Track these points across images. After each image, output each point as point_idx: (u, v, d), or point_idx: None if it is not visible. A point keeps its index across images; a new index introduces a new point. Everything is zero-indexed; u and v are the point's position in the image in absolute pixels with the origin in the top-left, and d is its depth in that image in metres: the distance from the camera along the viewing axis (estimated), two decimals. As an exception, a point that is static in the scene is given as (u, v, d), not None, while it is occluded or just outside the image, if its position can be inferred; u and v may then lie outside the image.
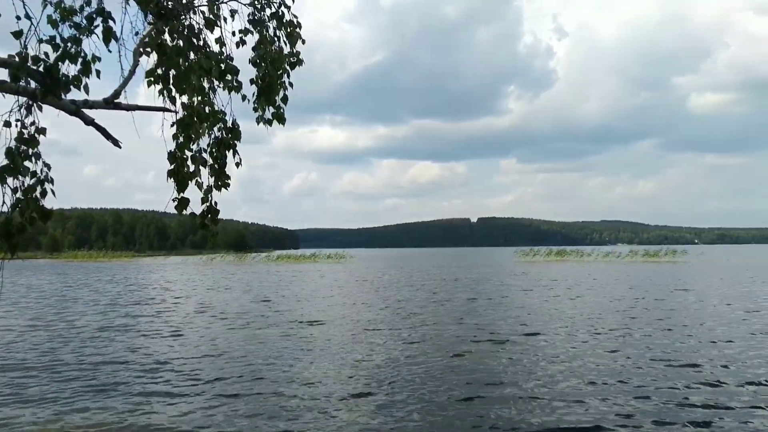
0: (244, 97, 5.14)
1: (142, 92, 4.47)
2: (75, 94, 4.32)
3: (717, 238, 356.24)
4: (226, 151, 4.91)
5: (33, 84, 4.05)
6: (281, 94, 5.30)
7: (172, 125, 4.55)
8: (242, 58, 5.24)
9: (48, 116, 4.26)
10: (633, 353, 11.70)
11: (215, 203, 4.81)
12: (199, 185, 4.64)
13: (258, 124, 5.33)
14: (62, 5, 4.08)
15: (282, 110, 5.29)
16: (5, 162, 3.97)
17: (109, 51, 4.35)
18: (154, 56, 4.60)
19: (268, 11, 5.17)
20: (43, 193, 4.18)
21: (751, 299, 22.11)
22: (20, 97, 4.12)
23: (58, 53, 4.02)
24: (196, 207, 4.74)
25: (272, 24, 5.23)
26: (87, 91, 4.30)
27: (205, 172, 4.69)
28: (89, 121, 4.53)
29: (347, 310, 19.52)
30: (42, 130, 4.19)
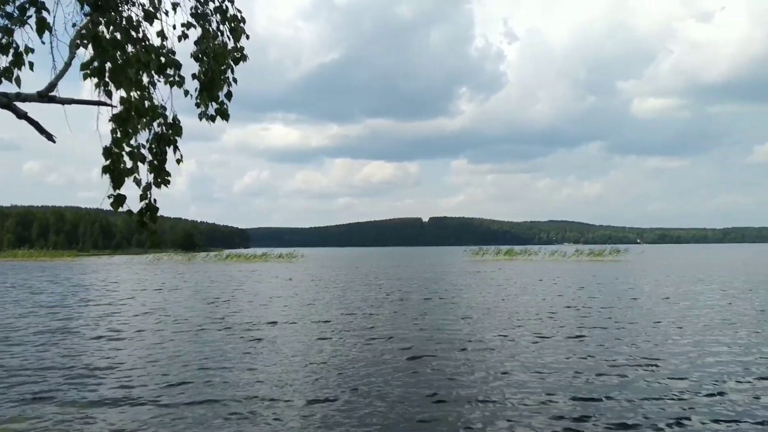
0: (186, 93, 5.05)
1: (88, 86, 4.31)
2: (7, 87, 4.16)
3: (658, 237, 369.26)
4: (167, 148, 4.80)
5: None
6: (225, 90, 5.22)
7: (109, 120, 4.42)
8: (186, 52, 5.14)
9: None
10: (586, 349, 12.06)
11: (154, 201, 4.70)
12: (137, 182, 4.52)
13: (200, 120, 5.23)
14: (-9, -6, 3.92)
15: (225, 106, 5.21)
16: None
17: (43, 42, 4.20)
18: (91, 49, 4.46)
19: (211, 5, 5.08)
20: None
21: (685, 295, 23.08)
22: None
23: (-12, 44, 3.86)
24: (136, 205, 4.63)
25: (216, 18, 5.14)
26: (18, 84, 4.15)
27: (144, 168, 4.57)
28: (22, 115, 4.35)
29: (299, 311, 19.34)
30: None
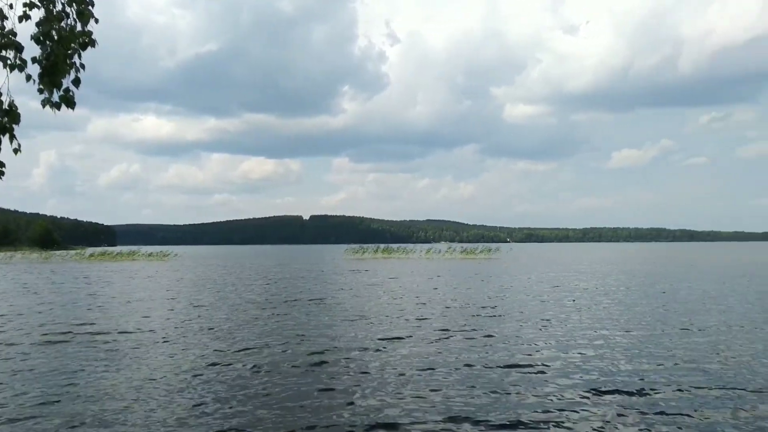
0: (29, 77, 4.70)
1: None
2: None
3: (526, 237, 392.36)
4: (2, 136, 4.45)
5: None
6: (72, 75, 4.91)
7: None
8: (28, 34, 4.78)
9: None
10: (464, 344, 12.56)
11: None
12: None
13: (44, 107, 4.89)
14: None
15: (72, 93, 4.90)
16: None
17: None
18: None
19: (56, -15, 4.76)
20: None
21: (547, 290, 24.82)
22: None
23: None
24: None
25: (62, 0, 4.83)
26: None
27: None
28: None
29: (168, 315, 18.37)
30: None
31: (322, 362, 10.75)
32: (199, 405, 8.13)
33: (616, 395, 8.59)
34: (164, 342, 13.11)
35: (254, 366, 10.50)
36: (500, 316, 17.08)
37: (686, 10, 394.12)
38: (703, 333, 13.83)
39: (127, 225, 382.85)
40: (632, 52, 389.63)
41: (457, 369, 10.18)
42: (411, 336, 13.44)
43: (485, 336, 13.49)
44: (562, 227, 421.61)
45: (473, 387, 9.01)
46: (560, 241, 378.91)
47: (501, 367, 10.30)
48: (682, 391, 8.79)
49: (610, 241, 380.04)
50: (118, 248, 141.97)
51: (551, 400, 8.37)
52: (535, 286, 27.53)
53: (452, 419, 7.55)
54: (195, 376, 9.78)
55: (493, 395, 8.58)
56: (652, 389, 8.87)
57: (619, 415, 7.70)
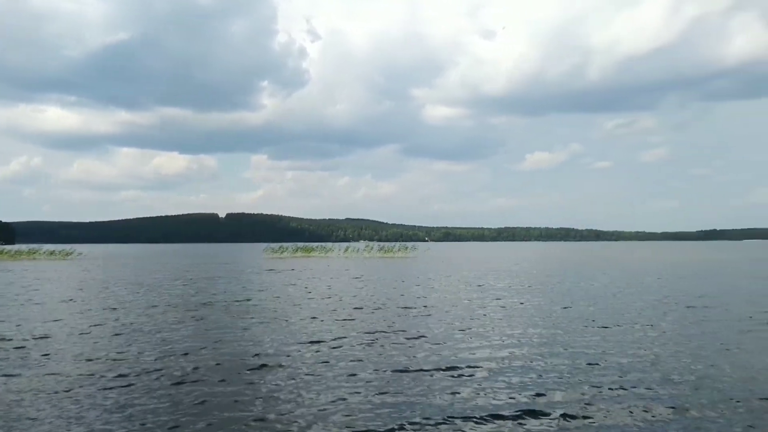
0: None
1: None
2: None
3: (443, 236, 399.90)
4: None
5: None
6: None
7: None
8: None
9: None
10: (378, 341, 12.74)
11: None
12: None
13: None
14: None
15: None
16: None
17: None
18: None
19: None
20: None
21: (466, 289, 25.56)
22: None
23: None
24: None
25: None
26: None
27: None
28: None
29: (75, 319, 17.53)
30: None
31: (242, 368, 10.66)
32: (109, 417, 7.93)
33: (541, 396, 9.06)
34: (73, 348, 12.55)
35: (170, 373, 10.28)
36: (420, 315, 17.47)
37: (595, 20, 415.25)
38: (626, 330, 14.68)
39: (27, 222, 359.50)
40: (545, 59, 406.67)
41: (383, 371, 10.35)
42: (334, 339, 13.45)
43: (409, 337, 13.72)
44: (478, 226, 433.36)
45: (398, 391, 9.24)
46: (476, 240, 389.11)
47: (425, 370, 10.49)
48: (600, 388, 9.40)
49: (522, 240, 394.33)
50: (16, 246, 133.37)
51: (475, 401, 8.71)
52: (453, 286, 28.25)
53: (379, 422, 7.76)
54: (104, 389, 9.47)
55: (415, 398, 8.82)
56: (573, 388, 9.39)
57: (543, 413, 8.16)
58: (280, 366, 10.74)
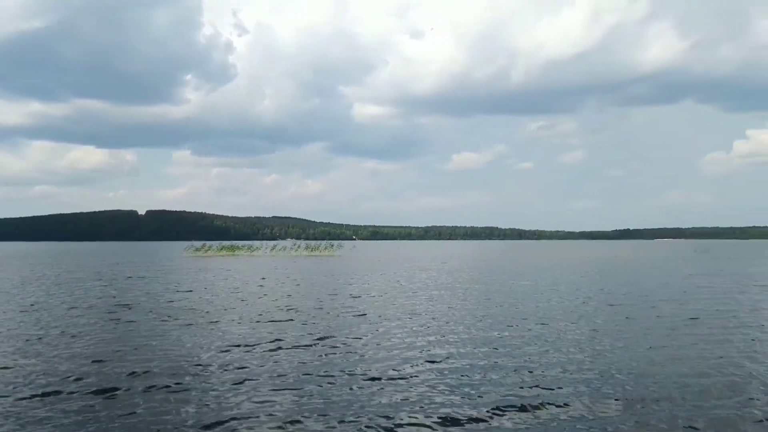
0: None
1: None
2: None
3: (371, 234, 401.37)
4: None
5: None
6: None
7: None
8: None
9: None
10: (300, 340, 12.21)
11: None
12: None
13: None
14: None
15: None
16: None
17: None
18: None
19: None
20: None
21: (393, 287, 25.38)
22: None
23: None
24: None
25: None
26: None
27: None
28: None
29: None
30: None
31: (166, 375, 9.92)
32: None
33: (472, 397, 8.82)
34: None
35: (90, 382, 9.43)
36: (347, 316, 17.09)
37: (520, 23, 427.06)
38: (560, 328, 14.84)
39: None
40: (471, 60, 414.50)
41: (312, 375, 9.93)
42: (262, 343, 12.86)
43: (339, 340, 13.38)
44: (405, 225, 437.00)
45: (327, 397, 8.80)
46: (403, 238, 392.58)
47: (354, 374, 10.19)
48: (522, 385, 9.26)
49: (449, 238, 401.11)
50: None
51: (410, 404, 8.38)
52: (382, 285, 28.05)
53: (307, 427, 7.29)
54: (19, 400, 8.53)
55: (345, 403, 8.43)
56: (506, 386, 9.23)
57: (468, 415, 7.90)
58: (205, 372, 10.07)
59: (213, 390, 8.83)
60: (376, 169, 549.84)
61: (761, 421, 7.49)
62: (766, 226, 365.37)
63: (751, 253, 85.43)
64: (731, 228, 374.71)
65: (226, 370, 10.10)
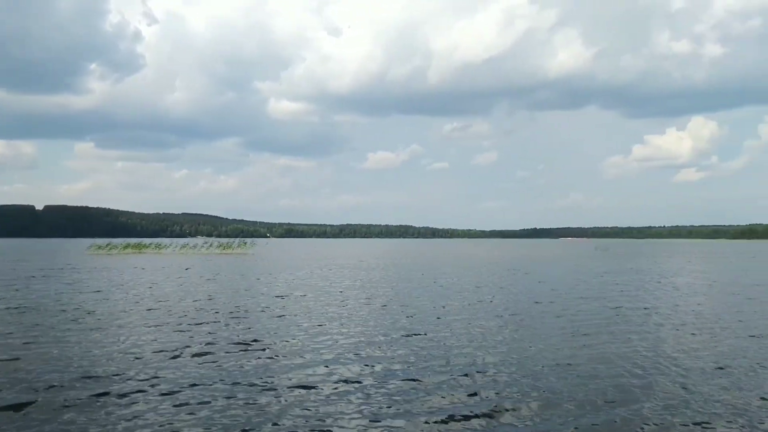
0: None
1: None
2: None
3: (286, 231, 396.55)
4: None
5: None
6: None
7: None
8: None
9: None
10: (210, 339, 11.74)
11: None
12: None
13: None
14: None
15: None
16: None
17: None
18: None
19: None
20: None
21: (308, 286, 25.09)
22: None
23: None
24: None
25: None
26: None
27: None
28: None
29: None
30: None
31: (66, 384, 9.25)
32: None
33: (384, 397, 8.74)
34: None
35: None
36: (259, 317, 16.69)
37: (436, 25, 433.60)
38: (478, 326, 15.05)
39: None
40: (388, 59, 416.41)
41: (223, 382, 9.56)
42: (173, 348, 12.28)
43: (250, 343, 12.99)
44: (320, 223, 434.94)
45: (236, 405, 8.48)
46: (319, 236, 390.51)
47: (268, 380, 9.92)
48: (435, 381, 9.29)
49: (364, 237, 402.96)
50: None
51: (324, 405, 8.21)
52: (295, 284, 27.66)
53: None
54: None
55: (260, 412, 8.15)
56: (427, 386, 9.21)
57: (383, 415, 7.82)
58: (118, 382, 9.49)
59: (128, 400, 8.30)
60: (292, 166, 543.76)
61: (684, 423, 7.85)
62: (660, 227, 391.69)
63: (649, 251, 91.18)
64: (629, 228, 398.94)
65: (138, 379, 9.54)
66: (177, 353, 11.54)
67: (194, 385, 9.23)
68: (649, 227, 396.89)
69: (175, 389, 8.95)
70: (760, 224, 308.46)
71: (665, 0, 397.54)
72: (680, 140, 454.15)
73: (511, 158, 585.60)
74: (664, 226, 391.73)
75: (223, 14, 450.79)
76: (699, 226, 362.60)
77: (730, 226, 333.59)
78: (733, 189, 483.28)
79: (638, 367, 10.64)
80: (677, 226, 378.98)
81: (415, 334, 13.75)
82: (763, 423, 7.58)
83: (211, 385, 9.24)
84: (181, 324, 15.24)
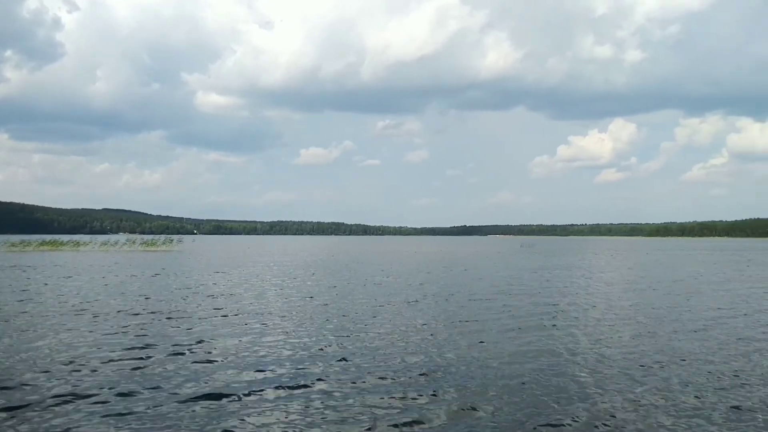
0: None
1: None
2: None
3: (214, 228, 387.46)
4: None
5: None
6: None
7: None
8: None
9: None
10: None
11: None
12: None
13: None
14: None
15: None
16: None
17: None
18: None
19: None
20: None
21: (237, 285, 24.15)
22: None
23: None
24: None
25: None
26: None
27: None
28: None
29: None
30: None
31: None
32: None
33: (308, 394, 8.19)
34: None
35: None
36: (182, 318, 15.75)
37: (369, 22, 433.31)
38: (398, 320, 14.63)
39: None
40: (321, 55, 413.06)
41: (149, 388, 8.71)
42: (88, 354, 11.31)
43: (169, 347, 12.12)
44: (250, 220, 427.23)
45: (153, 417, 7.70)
46: (249, 233, 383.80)
47: (191, 387, 9.14)
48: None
49: (295, 234, 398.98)
50: None
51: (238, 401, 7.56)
52: (221, 281, 26.63)
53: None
54: None
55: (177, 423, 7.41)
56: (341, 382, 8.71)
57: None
58: (24, 393, 8.47)
59: (47, 413, 7.35)
60: (221, 162, 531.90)
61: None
62: (582, 225, 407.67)
63: (576, 248, 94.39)
64: (554, 226, 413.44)
65: (57, 388, 8.55)
66: (99, 359, 10.57)
67: (121, 394, 8.38)
68: (572, 225, 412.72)
69: (102, 398, 8.08)
70: (673, 223, 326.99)
71: (589, 5, 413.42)
72: (602, 142, 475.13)
73: (443, 157, 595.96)
74: (585, 224, 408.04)
75: (150, 3, 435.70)
76: (618, 224, 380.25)
77: (646, 224, 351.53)
78: (649, 189, 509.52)
79: (584, 360, 10.58)
80: (598, 224, 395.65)
81: (353, 334, 13.29)
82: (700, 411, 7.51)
83: (136, 393, 8.41)
84: (102, 326, 14.13)
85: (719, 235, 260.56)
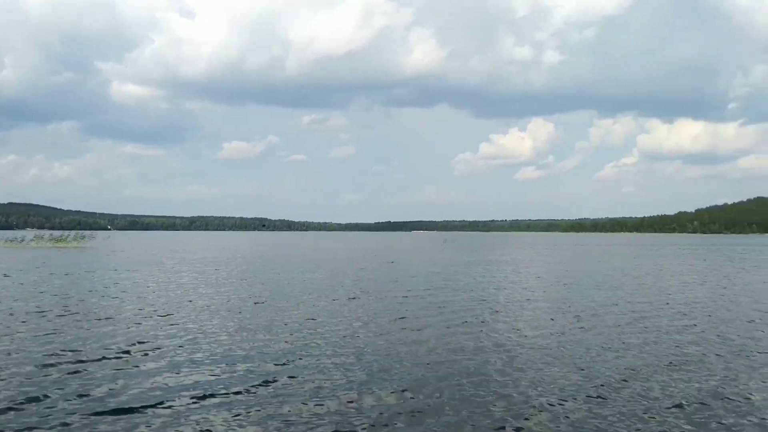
0: None
1: None
2: None
3: (130, 224, 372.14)
4: None
5: None
6: None
7: None
8: None
9: None
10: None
11: None
12: None
13: None
14: None
15: None
16: None
17: None
18: None
19: None
20: None
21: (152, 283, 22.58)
22: None
23: None
24: None
25: None
26: None
27: None
28: None
29: None
30: None
31: None
32: None
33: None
34: None
35: None
36: (92, 321, 14.36)
37: (295, 15, 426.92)
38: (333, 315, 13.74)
39: None
40: (245, 47, 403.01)
41: (68, 395, 7.46)
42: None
43: (76, 351, 10.79)
44: (169, 215, 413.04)
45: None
46: (167, 229, 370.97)
47: (99, 399, 7.94)
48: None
49: (216, 229, 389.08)
50: None
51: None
52: (134, 279, 24.99)
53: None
54: None
55: None
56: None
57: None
58: None
59: None
60: (138, 154, 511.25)
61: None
62: (503, 221, 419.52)
63: (499, 243, 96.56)
64: (476, 221, 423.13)
65: None
66: (7, 366, 9.12)
67: (35, 399, 7.13)
68: (493, 221, 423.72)
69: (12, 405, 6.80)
70: (586, 219, 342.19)
71: (510, 6, 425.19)
72: (522, 140, 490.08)
73: (368, 152, 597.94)
74: (505, 220, 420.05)
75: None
76: (536, 220, 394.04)
77: (562, 220, 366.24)
78: (565, 186, 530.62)
79: (520, 354, 10.48)
80: (517, 220, 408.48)
81: (285, 333, 12.59)
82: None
83: (56, 401, 7.19)
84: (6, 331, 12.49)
85: (629, 231, 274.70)
